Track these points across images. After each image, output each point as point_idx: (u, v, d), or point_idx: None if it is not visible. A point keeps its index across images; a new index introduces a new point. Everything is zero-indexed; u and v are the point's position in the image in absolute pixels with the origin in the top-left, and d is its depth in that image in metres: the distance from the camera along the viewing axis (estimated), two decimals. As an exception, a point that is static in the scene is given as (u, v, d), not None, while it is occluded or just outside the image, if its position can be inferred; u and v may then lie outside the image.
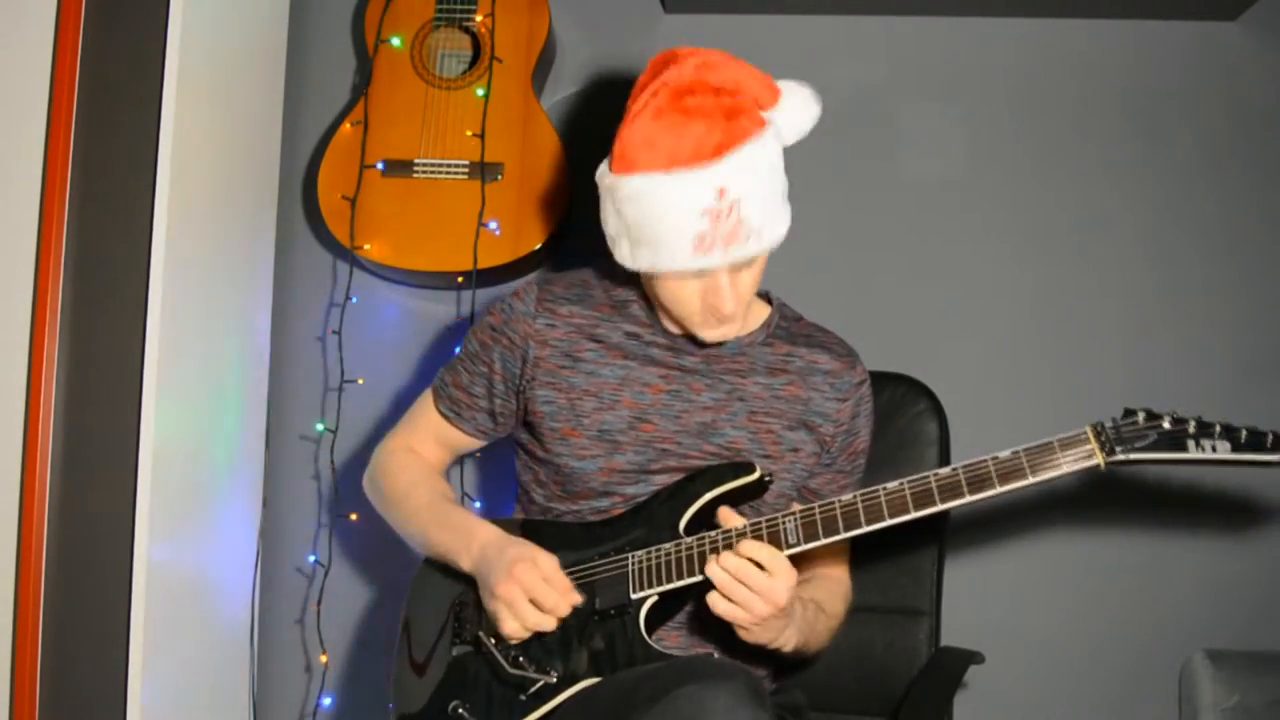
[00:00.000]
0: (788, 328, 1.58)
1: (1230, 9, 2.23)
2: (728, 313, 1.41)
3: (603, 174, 1.40)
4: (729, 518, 1.39)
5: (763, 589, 1.30)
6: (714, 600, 1.33)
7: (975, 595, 2.17)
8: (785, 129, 1.40)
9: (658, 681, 1.21)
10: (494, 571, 1.40)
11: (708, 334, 1.45)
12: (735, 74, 1.38)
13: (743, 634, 1.36)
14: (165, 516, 1.71)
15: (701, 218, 1.33)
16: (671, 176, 1.33)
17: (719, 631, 1.49)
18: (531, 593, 1.37)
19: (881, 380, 1.79)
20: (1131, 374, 2.24)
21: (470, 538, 1.47)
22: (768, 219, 1.36)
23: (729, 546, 1.35)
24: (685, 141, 1.32)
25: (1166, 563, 2.20)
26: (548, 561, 1.40)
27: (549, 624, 1.38)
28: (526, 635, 1.40)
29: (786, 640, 1.39)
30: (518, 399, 1.55)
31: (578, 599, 1.40)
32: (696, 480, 1.46)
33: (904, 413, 1.80)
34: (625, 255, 1.41)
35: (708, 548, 1.37)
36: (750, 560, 1.32)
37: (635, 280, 1.55)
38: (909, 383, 1.83)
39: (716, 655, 1.50)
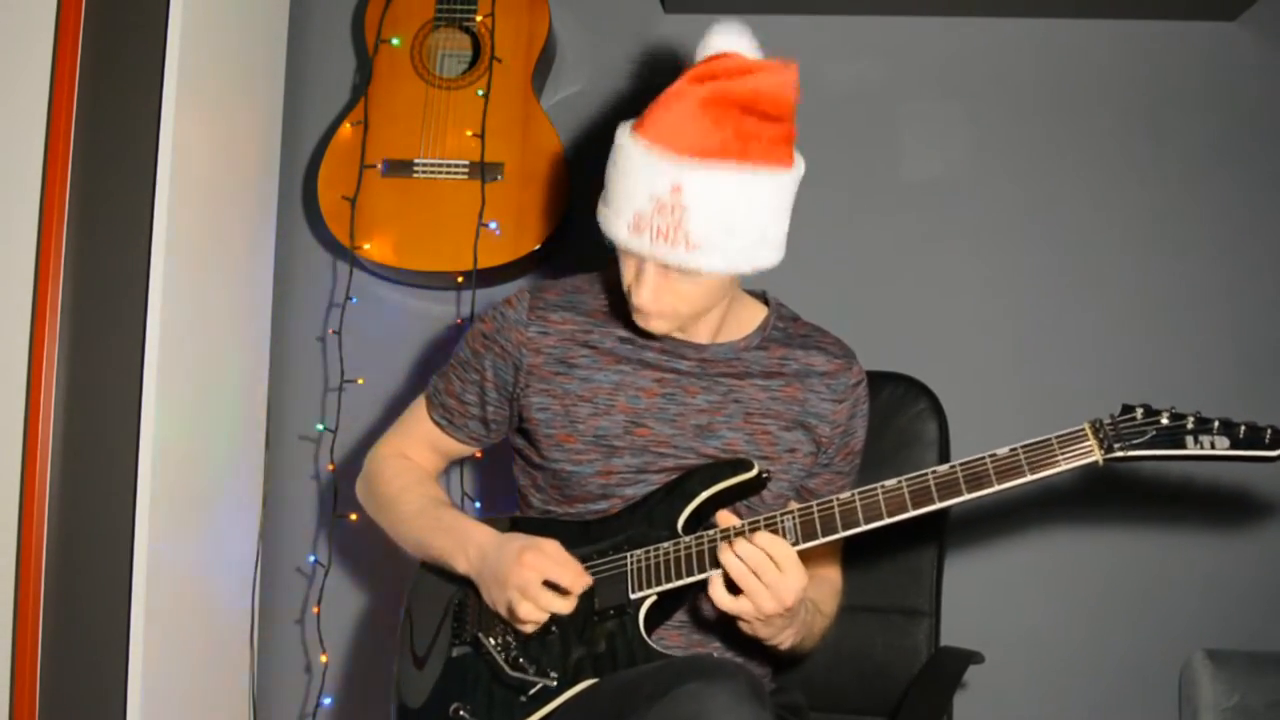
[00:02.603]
0: (784, 329, 1.57)
1: (1230, 9, 2.23)
2: (635, 302, 1.40)
3: (623, 127, 1.39)
4: (728, 520, 1.39)
5: (774, 583, 1.30)
6: (718, 593, 1.33)
7: (975, 595, 2.17)
8: (787, 185, 1.38)
9: (658, 680, 1.21)
10: (501, 565, 1.40)
11: (635, 317, 1.44)
12: (789, 108, 1.35)
13: (743, 626, 1.35)
14: (165, 516, 1.71)
15: (646, 200, 1.33)
16: (647, 150, 1.33)
17: (719, 629, 1.50)
18: (546, 575, 1.38)
19: (881, 380, 1.79)
20: (1133, 374, 2.24)
21: (466, 540, 1.47)
22: (716, 246, 1.33)
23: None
24: (681, 130, 1.31)
25: (1166, 562, 2.20)
26: (553, 546, 1.41)
27: (567, 606, 1.38)
28: (542, 620, 1.39)
29: (785, 639, 1.39)
30: (511, 406, 1.55)
31: (589, 579, 1.40)
32: (693, 477, 1.46)
33: (903, 413, 1.80)
34: (599, 214, 1.41)
35: (706, 547, 1.37)
36: (764, 553, 1.31)
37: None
38: (908, 382, 1.83)
39: (717, 654, 1.50)
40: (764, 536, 1.32)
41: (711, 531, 1.39)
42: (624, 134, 1.36)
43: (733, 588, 1.33)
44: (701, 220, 1.32)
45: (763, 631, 1.36)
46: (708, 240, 1.32)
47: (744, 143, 1.32)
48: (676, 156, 1.31)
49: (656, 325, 1.44)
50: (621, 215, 1.35)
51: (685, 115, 1.32)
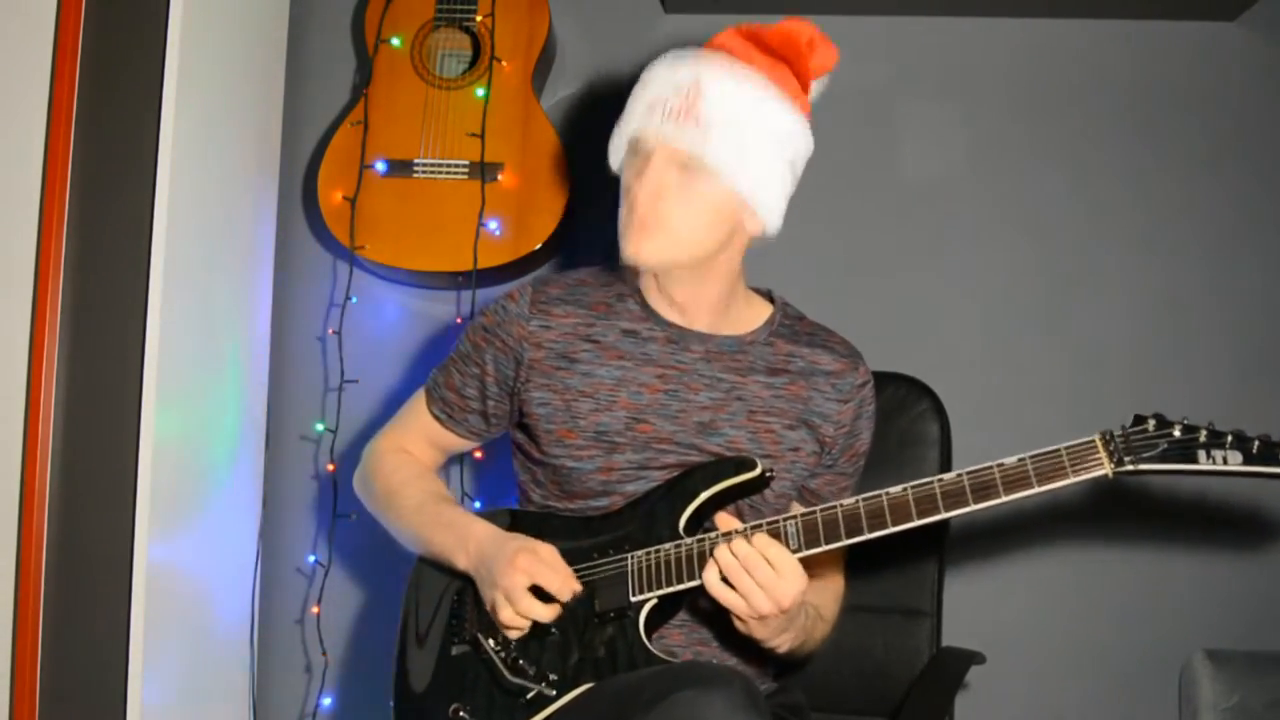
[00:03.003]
0: (791, 326, 1.57)
1: (1230, 9, 2.23)
2: (630, 203, 1.42)
3: None
4: (727, 522, 1.38)
5: (768, 584, 1.30)
6: (714, 585, 1.33)
7: (976, 596, 2.17)
8: (799, 137, 1.44)
9: (655, 686, 1.20)
10: (495, 563, 1.40)
11: (625, 242, 1.43)
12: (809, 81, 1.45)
13: (739, 625, 1.35)
14: (165, 516, 1.71)
15: (665, 86, 1.40)
16: (673, 55, 1.42)
17: (720, 628, 1.49)
18: (534, 579, 1.37)
19: (883, 380, 1.78)
20: (1132, 373, 2.24)
21: (466, 536, 1.46)
22: (722, 136, 1.37)
23: None
24: (722, 43, 1.42)
25: (1167, 563, 2.20)
26: (548, 550, 1.40)
27: (548, 615, 1.38)
28: (525, 625, 1.39)
29: (782, 642, 1.39)
30: (511, 400, 1.55)
31: (578, 586, 1.40)
32: (695, 475, 1.44)
33: (905, 413, 1.80)
34: (611, 151, 1.48)
35: (709, 548, 1.36)
36: (760, 554, 1.31)
37: (632, 278, 1.55)
38: (910, 383, 1.83)
39: (716, 658, 1.50)
40: (762, 539, 1.32)
41: (714, 534, 1.38)
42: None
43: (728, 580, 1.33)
44: (715, 107, 1.37)
45: (759, 632, 1.35)
46: (717, 129, 1.37)
47: (770, 72, 1.40)
48: (704, 53, 1.41)
49: (647, 248, 1.41)
50: (635, 112, 1.42)
51: (720, 38, 1.43)
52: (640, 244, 1.42)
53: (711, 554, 1.35)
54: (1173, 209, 2.27)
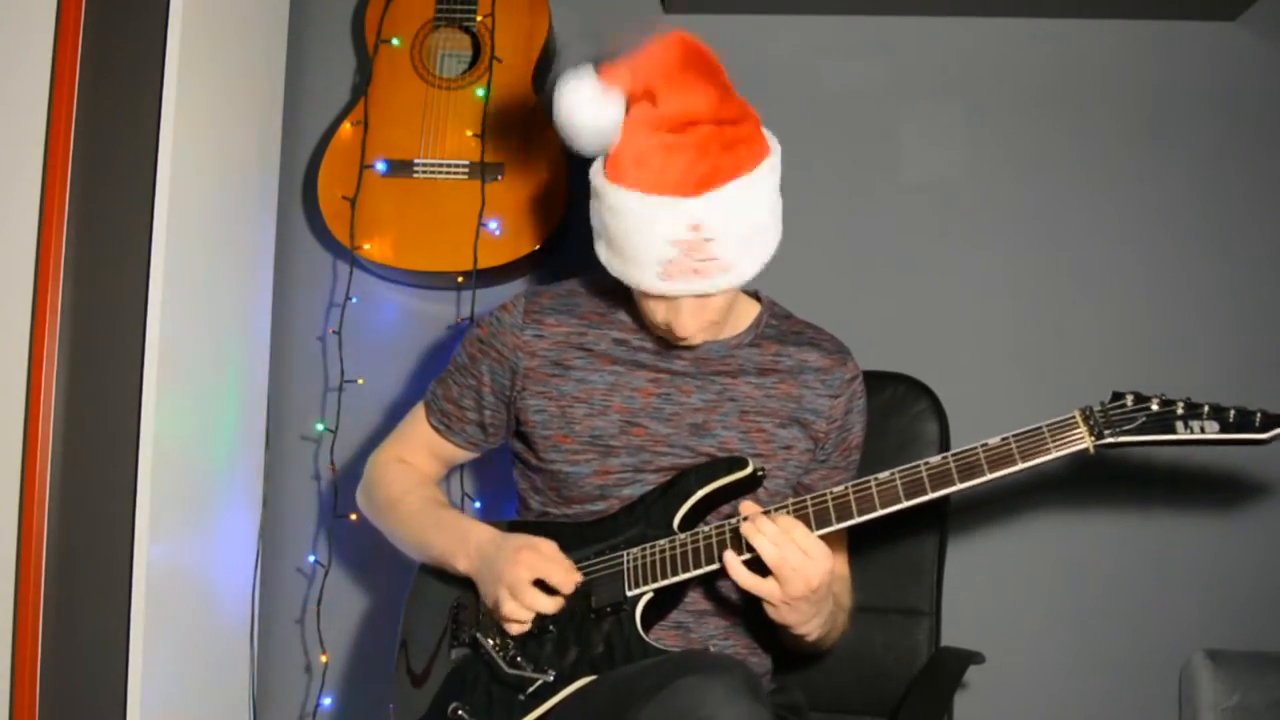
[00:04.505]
0: (777, 326, 1.58)
1: (1230, 9, 2.23)
2: (681, 337, 1.42)
3: (596, 172, 1.40)
4: (750, 508, 1.38)
5: (800, 566, 1.30)
6: (739, 572, 1.32)
7: (975, 595, 2.17)
8: (776, 168, 1.40)
9: (656, 674, 1.21)
10: (497, 561, 1.42)
11: (675, 342, 1.47)
12: (740, 101, 1.37)
13: (770, 611, 1.35)
14: (165, 516, 1.71)
15: (670, 247, 1.33)
16: (648, 201, 1.32)
17: (716, 629, 1.50)
18: (537, 573, 1.39)
19: (881, 380, 1.79)
20: (1132, 374, 2.20)
21: (466, 539, 1.48)
22: (742, 256, 1.36)
23: (722, 543, 1.36)
24: (671, 169, 1.31)
25: (1167, 562, 2.20)
26: (548, 545, 1.42)
27: (551, 606, 1.39)
28: (528, 618, 1.40)
29: (812, 628, 1.39)
30: (508, 410, 1.56)
31: (580, 578, 1.41)
32: (689, 476, 1.46)
33: (904, 413, 1.80)
34: (603, 256, 1.43)
35: (702, 544, 1.38)
36: (790, 539, 1.31)
37: (623, 286, 1.55)
38: (909, 382, 1.83)
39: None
40: (786, 520, 1.32)
41: (708, 529, 1.39)
42: (612, 188, 1.35)
43: (752, 566, 1.33)
44: (728, 243, 1.34)
45: (790, 617, 1.35)
46: (735, 256, 1.35)
47: (733, 154, 1.33)
48: (682, 199, 1.31)
49: (694, 340, 1.46)
50: (645, 267, 1.36)
51: (659, 150, 1.32)
52: (688, 343, 1.46)
53: (706, 549, 1.36)
54: (1173, 209, 2.27)
